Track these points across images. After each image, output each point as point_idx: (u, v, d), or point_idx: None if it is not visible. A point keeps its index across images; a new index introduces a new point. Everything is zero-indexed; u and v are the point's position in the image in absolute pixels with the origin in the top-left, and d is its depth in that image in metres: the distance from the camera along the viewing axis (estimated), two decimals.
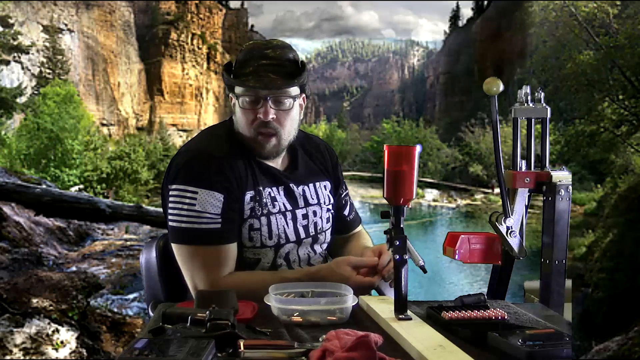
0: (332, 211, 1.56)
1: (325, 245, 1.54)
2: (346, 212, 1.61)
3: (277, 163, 1.48)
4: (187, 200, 1.34)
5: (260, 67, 1.34)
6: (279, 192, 1.44)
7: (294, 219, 1.45)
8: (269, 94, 1.35)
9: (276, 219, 1.42)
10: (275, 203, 1.43)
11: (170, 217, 1.37)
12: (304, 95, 1.45)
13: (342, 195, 1.61)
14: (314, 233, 1.48)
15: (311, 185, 1.51)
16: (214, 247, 1.35)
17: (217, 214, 1.34)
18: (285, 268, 1.43)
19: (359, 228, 1.65)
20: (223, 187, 1.35)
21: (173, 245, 1.39)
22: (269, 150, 1.40)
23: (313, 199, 1.50)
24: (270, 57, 1.36)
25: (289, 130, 1.41)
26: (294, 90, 1.39)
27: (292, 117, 1.41)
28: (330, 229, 1.55)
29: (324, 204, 1.52)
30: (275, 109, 1.37)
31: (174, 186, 1.36)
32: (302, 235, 1.46)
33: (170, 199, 1.37)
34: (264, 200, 1.41)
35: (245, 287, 1.31)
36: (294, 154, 1.52)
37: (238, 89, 1.38)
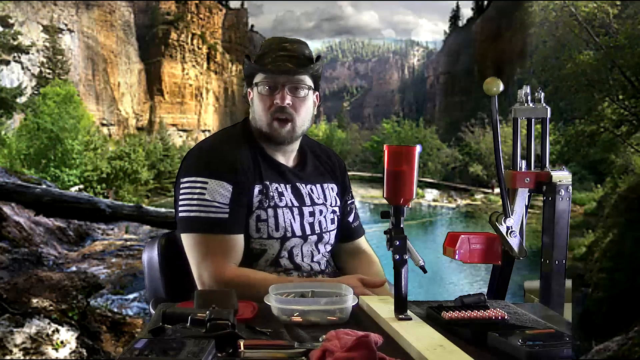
0: (338, 214, 1.58)
1: (329, 247, 1.55)
2: (351, 219, 1.63)
3: (288, 161, 1.51)
4: (198, 190, 1.38)
5: (278, 57, 1.42)
6: (286, 188, 1.48)
7: (301, 214, 1.48)
8: (286, 82, 1.42)
9: (283, 212, 1.45)
10: (283, 198, 1.46)
11: (180, 208, 1.40)
12: (317, 93, 1.51)
13: (348, 202, 1.63)
14: (319, 231, 1.50)
15: (318, 185, 1.54)
16: (221, 236, 1.37)
17: (225, 204, 1.38)
18: (287, 260, 1.45)
19: (363, 240, 1.66)
20: (232, 179, 1.39)
21: (182, 236, 1.41)
22: (284, 135, 1.45)
23: (319, 198, 1.53)
24: (288, 49, 1.44)
25: (304, 118, 1.46)
26: (309, 80, 1.45)
27: (307, 107, 1.47)
28: (334, 231, 1.56)
29: (330, 205, 1.55)
30: (292, 95, 1.43)
31: (185, 179, 1.41)
32: (308, 231, 1.48)
33: (181, 191, 1.41)
34: (271, 194, 1.44)
35: (248, 281, 1.33)
36: (304, 155, 1.56)
37: (257, 78, 1.45)
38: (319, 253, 1.51)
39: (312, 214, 1.50)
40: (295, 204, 1.48)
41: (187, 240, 1.40)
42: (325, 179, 1.57)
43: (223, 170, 1.39)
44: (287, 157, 1.51)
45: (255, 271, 1.41)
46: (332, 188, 1.57)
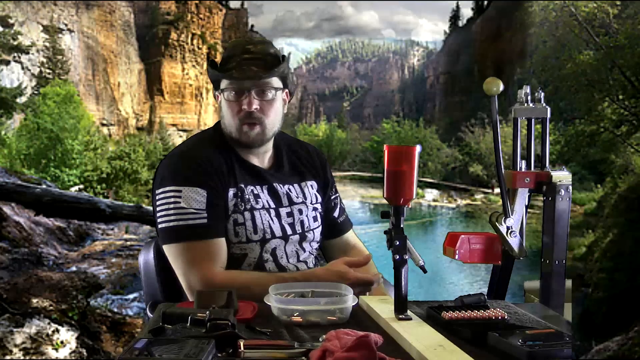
0: (320, 211, 1.57)
1: (314, 245, 1.54)
2: (336, 214, 1.62)
3: (263, 162, 1.50)
4: (173, 200, 1.37)
5: (242, 61, 1.41)
6: (262, 190, 1.47)
7: (278, 216, 1.47)
8: (252, 86, 1.41)
9: (260, 214, 1.44)
10: (259, 200, 1.45)
11: (159, 219, 1.40)
12: (287, 90, 1.49)
13: (332, 198, 1.62)
14: (300, 231, 1.49)
15: (296, 185, 1.53)
16: (202, 242, 1.36)
17: (202, 209, 1.37)
18: (272, 263, 1.44)
19: (351, 233, 1.65)
20: (205, 184, 1.38)
21: (164, 247, 1.41)
22: (254, 138, 1.44)
23: (298, 197, 1.52)
24: (252, 51, 1.42)
25: (273, 121, 1.45)
26: (276, 82, 1.44)
27: (275, 109, 1.45)
28: (319, 229, 1.55)
29: (310, 203, 1.54)
30: (259, 99, 1.42)
31: (159, 190, 1.40)
32: (289, 232, 1.47)
33: (157, 202, 1.40)
34: (247, 196, 1.43)
35: (239, 283, 1.32)
36: (280, 154, 1.54)
37: (223, 83, 1.44)
38: (304, 252, 1.50)
39: (289, 214, 1.48)
40: (273, 205, 1.47)
41: (170, 251, 1.39)
42: (304, 176, 1.56)
43: (195, 176, 1.38)
44: (262, 159, 1.50)
45: (244, 272, 1.40)
46: (311, 185, 1.56)
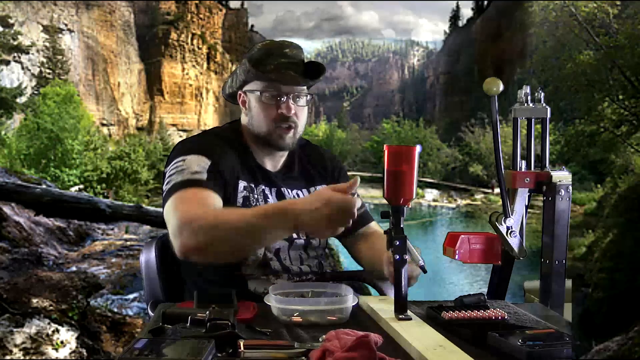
0: None
1: (320, 251, 1.53)
2: None
3: (275, 165, 1.50)
4: (176, 166, 1.35)
5: (280, 64, 1.41)
6: (271, 192, 1.46)
7: None
8: (290, 91, 1.42)
9: None
10: (268, 200, 1.45)
11: (163, 189, 1.36)
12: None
13: None
14: (305, 237, 1.48)
15: (304, 190, 1.52)
16: (197, 189, 1.30)
17: (201, 172, 1.32)
18: (277, 262, 1.42)
19: (373, 224, 1.57)
20: (210, 155, 1.36)
21: (164, 213, 1.31)
22: (287, 142, 1.45)
23: None
24: (289, 55, 1.43)
25: (303, 124, 1.48)
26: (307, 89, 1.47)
27: (305, 114, 1.49)
28: None
29: None
30: (294, 104, 1.43)
31: (167, 168, 1.38)
32: (294, 235, 1.46)
33: (165, 177, 1.38)
34: (256, 196, 1.43)
35: (221, 216, 1.24)
36: (292, 157, 1.54)
37: (258, 85, 1.43)
38: (308, 257, 1.49)
39: None
40: None
41: (165, 209, 1.29)
42: (313, 181, 1.55)
43: (201, 148, 1.37)
44: (275, 162, 1.50)
45: (229, 209, 1.32)
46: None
